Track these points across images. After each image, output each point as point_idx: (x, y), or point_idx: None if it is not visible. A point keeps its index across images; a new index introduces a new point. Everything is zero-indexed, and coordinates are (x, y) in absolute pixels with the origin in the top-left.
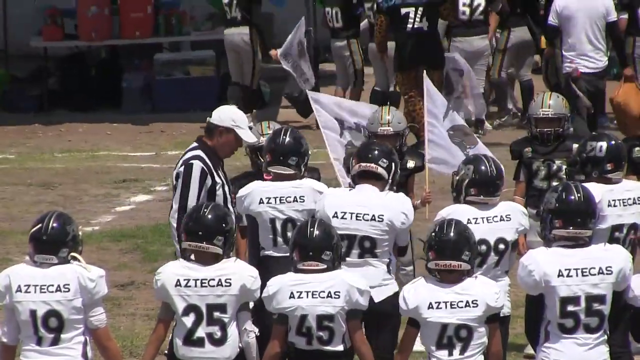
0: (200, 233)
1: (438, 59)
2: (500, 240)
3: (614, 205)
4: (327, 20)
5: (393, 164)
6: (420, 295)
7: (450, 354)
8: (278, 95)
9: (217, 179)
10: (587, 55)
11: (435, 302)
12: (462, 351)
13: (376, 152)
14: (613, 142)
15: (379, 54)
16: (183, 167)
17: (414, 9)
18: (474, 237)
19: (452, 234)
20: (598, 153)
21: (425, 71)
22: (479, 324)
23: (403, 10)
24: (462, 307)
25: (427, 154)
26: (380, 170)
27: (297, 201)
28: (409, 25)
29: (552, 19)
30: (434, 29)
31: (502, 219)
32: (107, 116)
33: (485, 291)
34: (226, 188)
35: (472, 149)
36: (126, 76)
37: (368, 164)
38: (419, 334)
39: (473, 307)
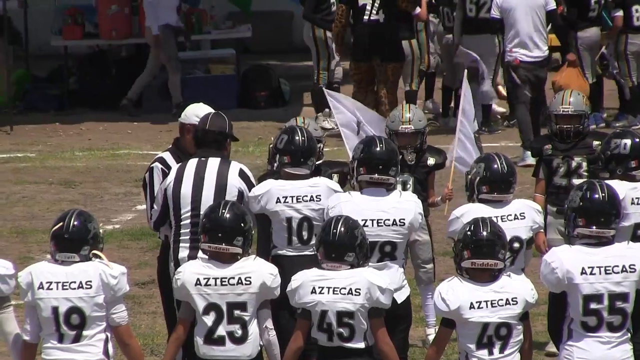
0: (220, 235)
1: (394, 51)
2: (515, 238)
3: (638, 204)
4: None
5: (399, 166)
6: (460, 295)
7: (491, 352)
8: (299, 93)
9: None
10: (527, 45)
11: (477, 302)
12: (502, 349)
13: (385, 161)
14: (637, 140)
15: (337, 47)
16: (147, 172)
17: (371, 0)
18: (505, 236)
19: (488, 233)
20: (622, 150)
21: (380, 63)
22: (517, 322)
23: (361, 1)
24: (502, 306)
25: (455, 152)
26: (392, 180)
27: (313, 200)
28: (365, 17)
29: (494, 12)
30: (391, 21)
31: (516, 217)
32: (128, 115)
33: (523, 288)
34: None
35: None
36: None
37: (380, 177)
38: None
39: (513, 304)
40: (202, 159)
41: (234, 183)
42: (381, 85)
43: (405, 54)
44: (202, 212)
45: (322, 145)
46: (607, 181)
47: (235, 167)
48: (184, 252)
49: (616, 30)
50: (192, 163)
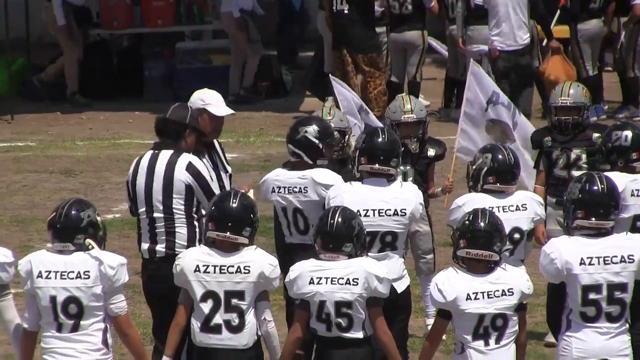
0: (229, 224)
1: (361, 41)
2: (516, 229)
3: (637, 195)
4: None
5: (400, 157)
6: (456, 287)
7: (487, 343)
8: (300, 83)
9: None
10: (507, 34)
11: (473, 293)
12: (498, 340)
13: (387, 152)
14: (638, 132)
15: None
16: None
17: None
18: (504, 228)
19: (485, 224)
20: (624, 142)
21: (349, 53)
22: (513, 313)
23: None
24: (498, 297)
25: (457, 143)
26: (392, 171)
27: (301, 192)
28: (334, 7)
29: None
30: (354, 11)
31: (517, 208)
32: (129, 104)
33: (518, 279)
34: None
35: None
36: (148, 65)
37: (381, 167)
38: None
39: (509, 295)
40: (156, 151)
41: (180, 177)
42: (357, 74)
43: (413, 45)
44: (154, 207)
45: (347, 137)
46: (607, 173)
47: (183, 160)
48: (144, 245)
49: (634, 20)
50: (147, 156)
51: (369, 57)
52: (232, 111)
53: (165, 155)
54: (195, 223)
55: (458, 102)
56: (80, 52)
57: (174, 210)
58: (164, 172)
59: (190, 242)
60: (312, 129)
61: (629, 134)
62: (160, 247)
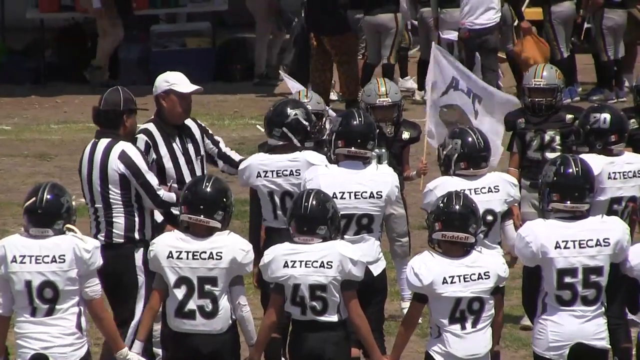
0: (201, 207)
1: (335, 24)
2: (488, 211)
3: (614, 178)
4: None
5: (376, 140)
6: (433, 270)
7: (463, 327)
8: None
9: (164, 151)
10: (476, 12)
11: (450, 277)
12: (474, 324)
13: (363, 135)
14: (617, 115)
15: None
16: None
17: None
18: (479, 210)
19: (459, 206)
20: (602, 125)
21: (330, 37)
22: (489, 296)
23: None
24: (475, 280)
25: (427, 127)
26: (369, 153)
27: (293, 174)
28: None
29: None
30: None
31: (490, 190)
32: (104, 88)
33: (494, 262)
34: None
35: None
36: (123, 47)
37: (357, 150)
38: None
39: (485, 279)
40: (96, 140)
41: (113, 167)
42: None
43: (386, 27)
44: (94, 197)
45: (324, 119)
46: (584, 155)
47: (117, 149)
48: (93, 232)
49: (596, 4)
50: (89, 146)
51: (345, 38)
52: (199, 87)
53: (102, 145)
54: (135, 212)
55: None
56: (120, 34)
57: (111, 200)
58: (99, 161)
59: (129, 232)
60: (301, 112)
61: (607, 116)
62: (101, 236)
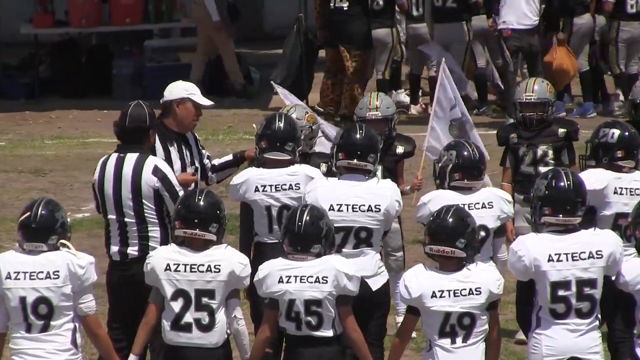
0: (195, 220)
1: (358, 38)
2: (481, 227)
3: (620, 193)
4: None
5: (378, 153)
6: (423, 283)
7: (453, 342)
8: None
9: (160, 153)
10: (517, 14)
11: (439, 291)
12: (465, 339)
13: (364, 147)
14: (627, 131)
15: (319, 31)
16: None
17: None
18: (474, 225)
19: (449, 220)
20: (610, 139)
21: (346, 50)
22: (481, 312)
23: None
24: (465, 295)
25: (427, 141)
26: (370, 166)
27: (292, 189)
28: (332, 4)
29: None
30: (353, 7)
31: (483, 206)
32: (98, 103)
33: (488, 278)
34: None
35: None
36: (116, 63)
37: (358, 162)
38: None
39: (476, 294)
40: (121, 155)
41: (148, 182)
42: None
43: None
44: (124, 212)
45: (309, 133)
46: (591, 169)
47: (150, 164)
48: (114, 247)
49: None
50: (113, 160)
51: (363, 54)
52: (212, 102)
53: (131, 159)
54: (168, 224)
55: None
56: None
57: (145, 215)
58: (131, 177)
59: (164, 244)
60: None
61: (616, 131)
62: (132, 250)
